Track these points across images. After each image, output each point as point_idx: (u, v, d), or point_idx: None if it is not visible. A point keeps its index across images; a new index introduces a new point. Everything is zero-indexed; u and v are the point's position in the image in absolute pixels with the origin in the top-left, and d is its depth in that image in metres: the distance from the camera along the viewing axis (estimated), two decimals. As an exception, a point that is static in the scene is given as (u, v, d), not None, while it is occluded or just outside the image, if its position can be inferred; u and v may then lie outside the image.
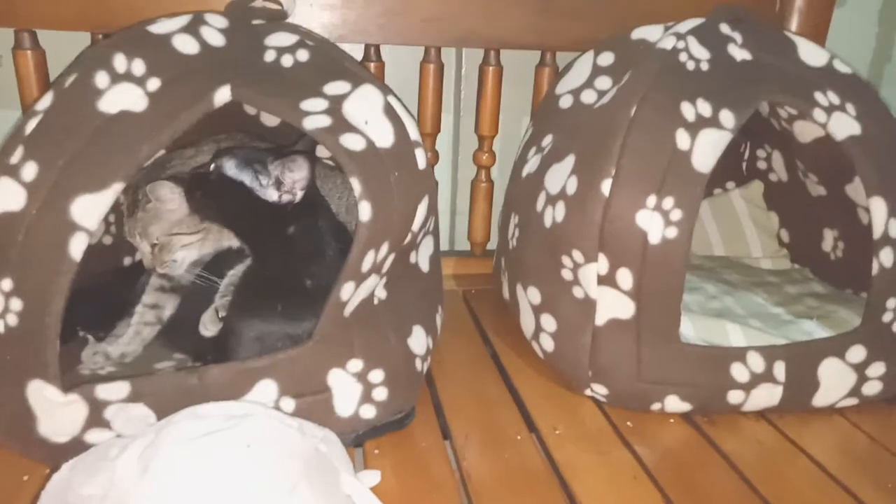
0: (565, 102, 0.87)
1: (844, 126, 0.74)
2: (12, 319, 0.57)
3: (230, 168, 0.70)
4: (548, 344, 0.80)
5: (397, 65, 1.04)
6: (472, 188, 1.11)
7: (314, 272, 0.68)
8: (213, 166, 0.70)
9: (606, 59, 0.85)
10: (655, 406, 0.75)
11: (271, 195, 0.70)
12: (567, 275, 0.75)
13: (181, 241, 0.78)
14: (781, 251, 1.07)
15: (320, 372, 0.64)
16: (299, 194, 0.70)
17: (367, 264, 0.64)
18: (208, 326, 0.73)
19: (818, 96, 0.74)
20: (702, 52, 0.74)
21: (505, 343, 0.90)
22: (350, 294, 0.64)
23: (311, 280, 0.68)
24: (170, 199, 0.76)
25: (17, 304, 0.57)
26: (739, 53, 0.75)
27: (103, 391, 0.59)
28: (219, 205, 0.73)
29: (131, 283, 0.86)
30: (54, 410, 0.58)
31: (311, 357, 0.64)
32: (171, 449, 0.51)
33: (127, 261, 0.95)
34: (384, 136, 0.65)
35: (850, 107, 0.74)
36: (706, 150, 0.69)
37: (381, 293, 0.72)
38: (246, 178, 0.70)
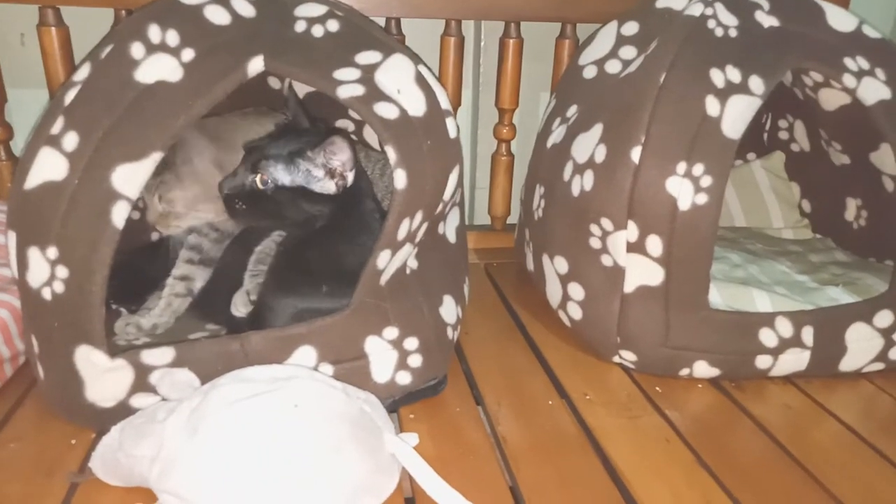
0: (589, 73, 0.87)
1: (874, 91, 0.74)
2: (59, 287, 0.58)
3: (282, 176, 0.67)
4: (575, 312, 0.81)
5: (416, 39, 1.04)
6: (493, 162, 1.12)
7: (359, 247, 0.67)
8: (259, 181, 0.67)
9: (631, 28, 0.85)
10: (684, 372, 0.76)
11: (329, 188, 0.68)
12: (595, 243, 0.76)
13: (199, 218, 0.77)
14: (803, 221, 1.07)
15: (357, 339, 0.65)
16: (350, 176, 0.69)
17: (402, 232, 0.64)
18: (239, 308, 0.73)
19: (847, 62, 0.74)
20: (730, 19, 0.74)
21: (530, 313, 0.91)
22: (386, 262, 0.65)
23: (354, 257, 0.67)
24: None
25: (62, 271, 0.58)
26: (767, 20, 0.75)
27: (149, 356, 0.60)
28: (273, 212, 0.70)
29: (158, 258, 0.87)
30: (101, 375, 0.60)
31: (349, 324, 0.65)
32: (219, 411, 0.52)
33: (154, 236, 0.96)
34: (416, 105, 0.65)
35: (879, 72, 0.74)
36: (736, 116, 0.69)
37: (412, 263, 0.73)
38: (299, 178, 0.68)
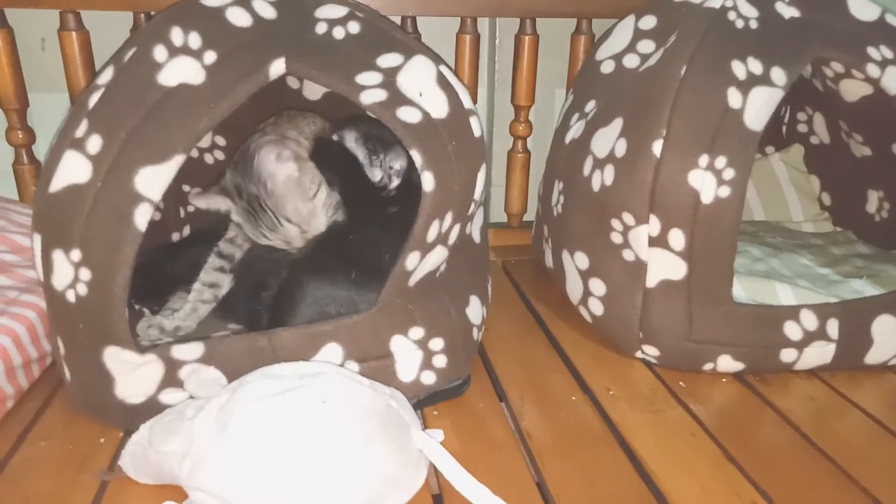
0: (607, 67, 0.87)
1: (899, 80, 0.73)
2: (82, 289, 0.59)
3: (350, 140, 0.75)
4: (597, 308, 0.81)
5: (432, 37, 1.04)
6: (509, 159, 1.12)
7: (396, 249, 0.67)
8: (335, 136, 0.76)
9: (648, 22, 0.85)
10: (707, 366, 0.75)
11: (375, 175, 0.75)
12: (616, 238, 0.76)
13: (320, 200, 0.77)
14: (823, 214, 1.06)
15: (383, 338, 0.65)
16: (395, 181, 0.74)
17: (431, 234, 0.64)
18: None
19: (871, 51, 0.73)
20: (750, 10, 0.73)
21: (549, 310, 0.91)
22: (415, 264, 0.65)
23: (391, 255, 0.67)
24: (281, 166, 0.76)
25: (86, 274, 0.59)
26: (788, 11, 0.75)
27: (178, 351, 0.61)
28: (335, 167, 0.77)
29: (180, 259, 0.88)
30: (132, 371, 0.60)
31: (375, 323, 0.65)
32: (248, 407, 0.53)
33: (175, 237, 0.97)
34: (439, 107, 0.65)
35: (903, 60, 0.73)
36: (758, 107, 0.68)
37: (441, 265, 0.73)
38: (360, 153, 0.74)
